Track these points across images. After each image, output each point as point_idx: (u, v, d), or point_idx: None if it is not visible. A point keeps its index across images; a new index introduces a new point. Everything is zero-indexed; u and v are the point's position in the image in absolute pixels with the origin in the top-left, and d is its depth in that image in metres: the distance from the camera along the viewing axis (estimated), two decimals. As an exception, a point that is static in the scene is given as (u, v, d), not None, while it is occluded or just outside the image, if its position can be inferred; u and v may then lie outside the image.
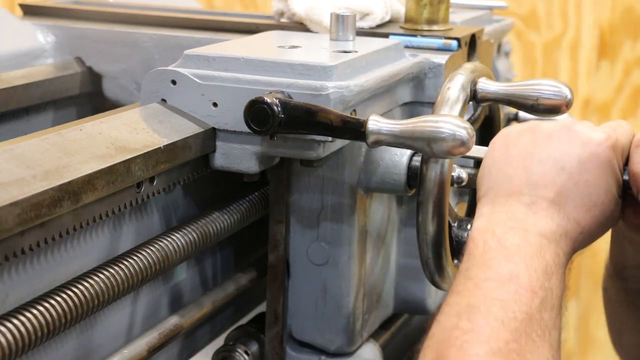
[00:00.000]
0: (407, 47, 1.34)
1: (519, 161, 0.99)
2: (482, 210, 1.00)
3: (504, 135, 1.03)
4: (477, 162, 1.18)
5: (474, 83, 1.23)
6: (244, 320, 1.35)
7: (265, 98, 1.07)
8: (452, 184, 1.22)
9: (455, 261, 1.25)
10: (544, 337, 0.89)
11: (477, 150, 1.10)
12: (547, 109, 1.22)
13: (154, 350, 1.10)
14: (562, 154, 0.98)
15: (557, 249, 0.96)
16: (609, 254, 1.22)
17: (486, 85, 1.24)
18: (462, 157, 1.10)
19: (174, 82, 1.15)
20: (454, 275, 1.22)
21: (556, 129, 1.00)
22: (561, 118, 1.44)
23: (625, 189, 1.02)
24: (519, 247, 0.94)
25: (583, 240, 0.99)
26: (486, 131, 1.37)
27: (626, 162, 1.02)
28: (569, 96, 1.21)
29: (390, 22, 1.46)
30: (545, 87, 1.22)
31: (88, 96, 1.51)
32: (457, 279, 0.95)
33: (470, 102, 1.25)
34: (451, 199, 1.31)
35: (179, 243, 1.11)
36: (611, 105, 2.84)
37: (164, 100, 1.16)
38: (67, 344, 1.02)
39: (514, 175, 0.99)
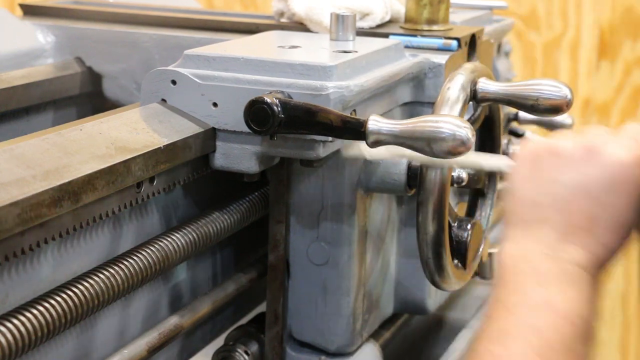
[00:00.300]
0: (407, 47, 1.34)
1: (545, 187, 0.98)
2: (511, 234, 0.98)
3: (525, 158, 1.01)
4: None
5: (474, 83, 1.23)
6: (244, 320, 1.35)
7: (265, 98, 1.07)
8: (452, 184, 1.22)
9: (455, 261, 1.25)
10: None
11: (493, 161, 1.10)
12: (547, 109, 1.21)
13: (154, 350, 1.10)
14: (587, 178, 0.96)
15: (591, 277, 0.95)
16: None
17: (486, 86, 1.24)
18: (485, 170, 1.08)
19: (174, 82, 1.15)
20: (454, 275, 1.23)
21: (578, 151, 0.98)
22: (562, 118, 1.44)
23: None
24: (554, 274, 0.93)
25: (609, 260, 0.98)
26: (486, 131, 1.37)
27: None
28: (569, 96, 1.21)
29: (390, 22, 1.46)
30: (545, 87, 1.22)
31: (88, 96, 1.51)
32: (490, 306, 0.94)
33: (470, 102, 1.25)
34: (451, 199, 1.31)
35: (178, 243, 1.11)
36: (611, 106, 2.84)
37: (164, 100, 1.16)
38: (67, 343, 1.02)
39: (542, 203, 0.98)
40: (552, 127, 1.76)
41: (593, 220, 0.96)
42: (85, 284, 0.97)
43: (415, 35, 1.36)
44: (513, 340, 0.88)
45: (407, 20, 1.42)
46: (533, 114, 1.24)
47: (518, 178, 1.00)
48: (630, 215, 0.96)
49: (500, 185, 1.40)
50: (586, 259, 0.95)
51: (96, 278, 0.99)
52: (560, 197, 0.97)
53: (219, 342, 1.31)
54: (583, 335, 0.90)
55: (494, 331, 0.90)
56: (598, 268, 0.96)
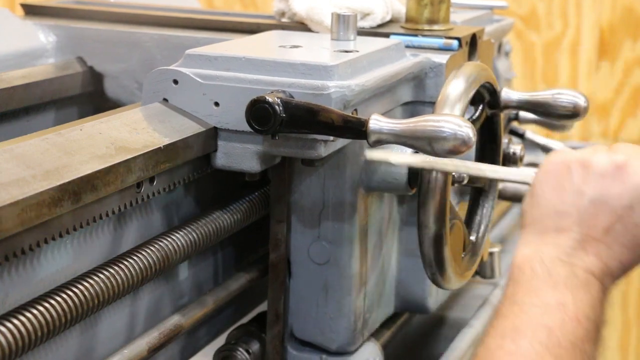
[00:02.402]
0: (407, 46, 1.34)
1: (570, 198, 1.00)
2: (528, 238, 1.01)
3: (555, 165, 1.03)
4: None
5: (475, 83, 1.23)
6: (245, 320, 1.35)
7: (267, 97, 1.07)
8: (452, 183, 1.22)
9: (464, 254, 1.25)
10: None
11: (520, 174, 1.10)
12: (565, 115, 1.34)
13: (154, 350, 1.10)
14: (613, 196, 0.99)
15: (601, 285, 0.98)
16: None
17: (508, 94, 1.34)
18: (509, 181, 1.10)
19: (175, 82, 1.15)
20: (455, 274, 1.23)
21: (609, 168, 1.00)
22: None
23: None
24: (567, 278, 0.97)
25: (622, 275, 1.02)
26: (487, 131, 1.37)
27: None
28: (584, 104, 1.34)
29: (391, 21, 1.46)
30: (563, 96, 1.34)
31: (89, 96, 1.51)
32: (501, 304, 0.97)
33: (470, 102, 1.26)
34: (452, 198, 1.31)
35: (179, 242, 1.11)
36: (611, 106, 2.84)
37: (165, 99, 1.16)
38: (67, 343, 1.02)
39: (565, 213, 1.00)
40: (552, 127, 1.76)
41: (611, 236, 0.99)
42: (85, 284, 0.97)
43: (416, 35, 1.36)
44: (524, 336, 0.91)
45: (408, 20, 1.42)
46: (552, 120, 1.37)
47: (545, 185, 1.02)
48: None
49: (501, 184, 1.40)
50: (598, 268, 0.98)
51: (96, 278, 0.99)
52: (583, 209, 1.00)
53: (220, 341, 1.31)
54: (590, 336, 0.93)
55: (507, 328, 0.93)
56: (608, 279, 0.99)
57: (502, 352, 0.91)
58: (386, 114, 1.22)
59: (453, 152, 1.06)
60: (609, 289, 1.00)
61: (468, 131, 1.05)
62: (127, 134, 1.05)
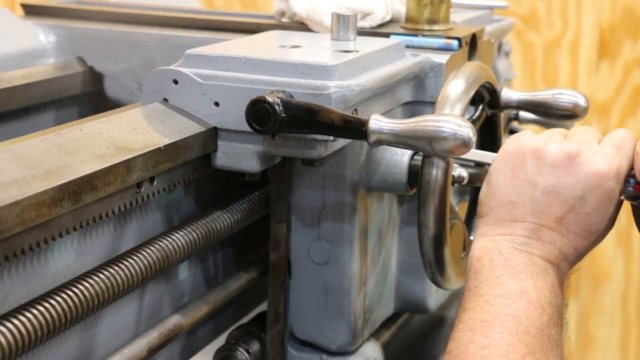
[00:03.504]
0: (408, 46, 1.34)
1: (524, 189, 1.02)
2: (483, 229, 1.03)
3: (510, 154, 1.04)
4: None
5: (475, 83, 1.23)
6: (245, 320, 1.35)
7: (267, 97, 1.07)
8: (452, 183, 1.22)
9: (464, 254, 1.25)
10: (553, 351, 0.93)
11: (481, 155, 1.11)
12: (564, 116, 1.34)
13: (154, 350, 1.10)
14: (565, 187, 1.01)
15: (558, 271, 1.00)
16: None
17: (508, 94, 1.34)
18: (468, 160, 1.11)
19: (175, 82, 1.15)
20: (455, 274, 1.23)
21: (561, 158, 1.02)
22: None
23: (636, 197, 1.03)
24: (525, 266, 0.98)
25: (577, 261, 1.04)
26: (487, 131, 1.37)
27: (632, 169, 1.03)
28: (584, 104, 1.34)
29: (391, 21, 1.46)
30: (564, 96, 1.34)
31: (89, 96, 1.51)
32: (466, 297, 0.98)
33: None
34: (452, 199, 1.31)
35: (179, 242, 1.11)
36: (611, 105, 2.84)
37: (165, 99, 1.16)
38: (67, 343, 1.02)
39: (519, 203, 1.02)
40: (552, 127, 1.77)
41: (564, 225, 1.01)
42: (85, 284, 0.97)
43: (416, 35, 1.36)
44: (494, 328, 0.93)
45: (408, 20, 1.42)
46: (552, 120, 1.37)
47: (501, 174, 1.04)
48: (601, 225, 1.01)
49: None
50: (554, 255, 1.01)
51: (96, 278, 0.99)
52: (536, 201, 1.01)
53: (220, 341, 1.31)
54: (554, 320, 0.96)
55: (476, 321, 0.94)
56: (565, 264, 1.01)
57: (475, 346, 0.92)
58: (386, 114, 1.22)
59: (453, 152, 1.06)
60: (566, 274, 1.02)
61: (468, 131, 1.05)
62: (127, 134, 1.05)
